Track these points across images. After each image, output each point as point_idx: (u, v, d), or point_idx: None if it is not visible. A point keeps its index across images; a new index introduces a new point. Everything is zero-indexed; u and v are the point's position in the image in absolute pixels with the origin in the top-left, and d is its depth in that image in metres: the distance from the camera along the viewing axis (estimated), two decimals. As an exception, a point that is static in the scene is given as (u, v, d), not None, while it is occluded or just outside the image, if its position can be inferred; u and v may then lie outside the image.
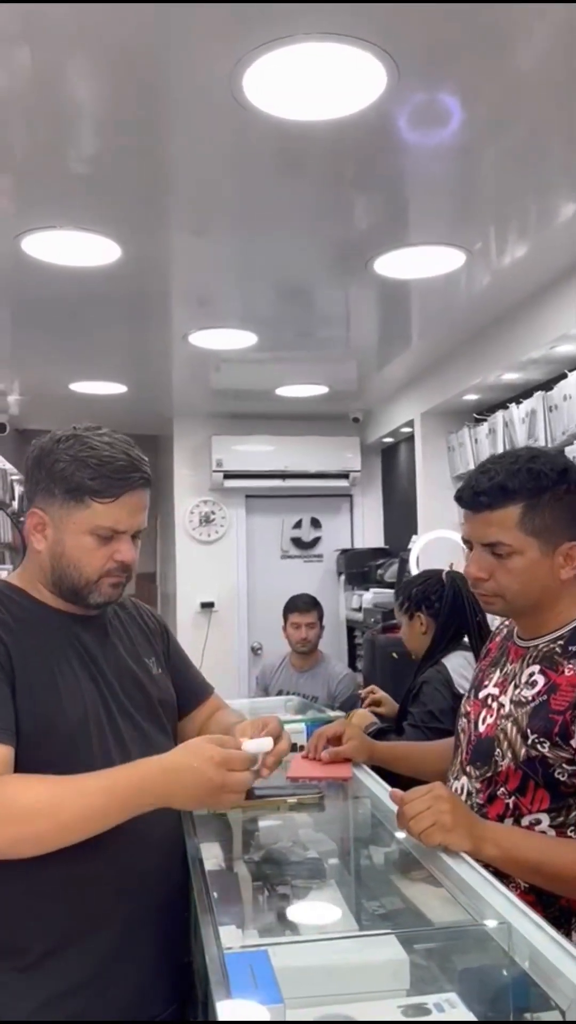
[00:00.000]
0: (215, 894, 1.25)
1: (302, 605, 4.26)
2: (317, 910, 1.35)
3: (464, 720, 1.58)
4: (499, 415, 4.15)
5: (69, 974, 1.29)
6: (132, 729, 1.42)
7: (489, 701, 1.52)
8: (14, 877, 1.28)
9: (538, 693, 1.43)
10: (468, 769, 1.50)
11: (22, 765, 1.27)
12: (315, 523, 6.36)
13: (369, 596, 5.40)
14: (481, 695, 1.56)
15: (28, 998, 1.27)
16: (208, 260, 3.10)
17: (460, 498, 1.50)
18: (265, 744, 1.41)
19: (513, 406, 3.99)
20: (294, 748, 2.46)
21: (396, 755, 1.89)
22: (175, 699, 1.58)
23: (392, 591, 5.26)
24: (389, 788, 1.68)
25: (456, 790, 1.52)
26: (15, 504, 6.01)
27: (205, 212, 2.70)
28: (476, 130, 2.21)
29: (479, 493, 1.45)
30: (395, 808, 1.36)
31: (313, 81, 1.95)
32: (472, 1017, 0.97)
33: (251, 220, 2.76)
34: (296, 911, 1.32)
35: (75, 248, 2.86)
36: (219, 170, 2.41)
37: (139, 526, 1.41)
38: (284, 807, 1.67)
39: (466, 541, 1.52)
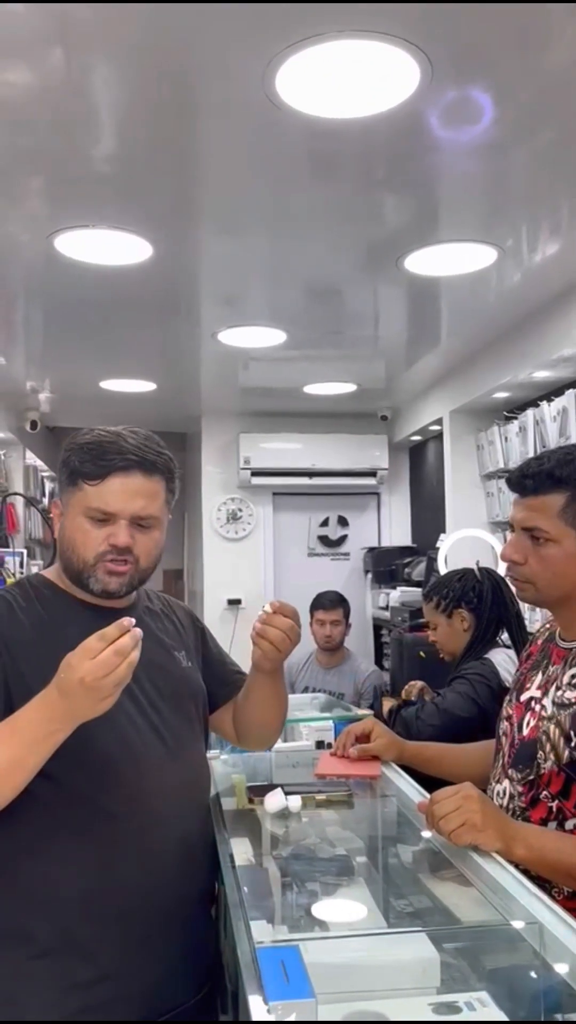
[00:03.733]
0: (246, 889, 1.27)
1: (327, 603, 4.26)
2: (346, 907, 1.36)
3: (506, 723, 1.57)
4: (530, 413, 4.12)
5: (86, 963, 1.29)
6: (155, 718, 1.43)
7: (532, 704, 1.51)
8: (28, 862, 1.30)
9: None
10: (510, 772, 1.50)
11: None
12: (342, 521, 6.35)
13: (396, 594, 5.38)
14: (523, 698, 1.54)
15: (47, 986, 1.28)
16: (238, 258, 3.10)
17: (509, 480, 1.53)
18: (287, 802, 1.59)
19: (544, 404, 3.96)
20: (321, 746, 2.48)
21: (426, 756, 1.88)
22: (205, 692, 1.59)
23: (420, 589, 5.25)
24: (418, 787, 1.69)
25: (498, 794, 1.51)
26: (45, 500, 6.08)
27: (236, 210, 2.70)
28: (508, 127, 2.19)
29: (527, 476, 1.47)
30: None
31: (345, 79, 1.95)
32: (503, 1017, 0.97)
33: (282, 218, 2.76)
34: (325, 908, 1.32)
35: (107, 247, 2.88)
36: (250, 169, 2.41)
37: (136, 511, 1.39)
38: (311, 804, 1.68)
39: (509, 525, 1.54)
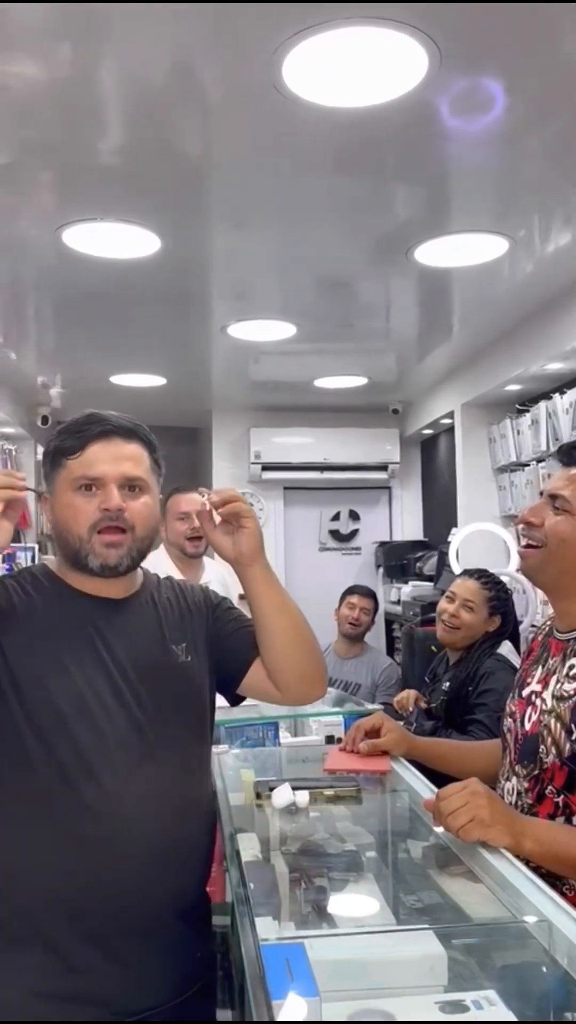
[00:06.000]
0: (252, 885, 1.25)
1: (362, 590, 4.37)
2: (354, 903, 1.34)
3: (510, 720, 1.56)
4: (542, 405, 4.09)
5: (50, 955, 1.28)
6: (138, 715, 1.37)
7: (532, 698, 1.50)
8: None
9: None
10: (516, 769, 1.48)
11: (6, 740, 1.31)
12: (353, 515, 6.33)
13: (408, 589, 5.37)
14: (525, 693, 1.53)
15: (13, 975, 1.27)
16: (247, 251, 3.09)
17: (560, 449, 1.57)
18: (295, 798, 1.56)
19: (557, 396, 3.92)
20: (331, 740, 2.47)
21: (436, 753, 1.86)
22: (208, 688, 1.51)
23: (431, 583, 5.23)
24: (428, 782, 1.67)
25: (507, 791, 1.50)
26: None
27: (244, 202, 2.69)
28: (519, 116, 2.16)
29: (573, 447, 1.51)
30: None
31: (353, 67, 1.93)
32: (511, 1016, 0.95)
33: (291, 210, 2.74)
34: (333, 903, 1.31)
35: (115, 240, 2.87)
36: (258, 160, 2.39)
37: (124, 472, 1.38)
38: (320, 799, 1.66)
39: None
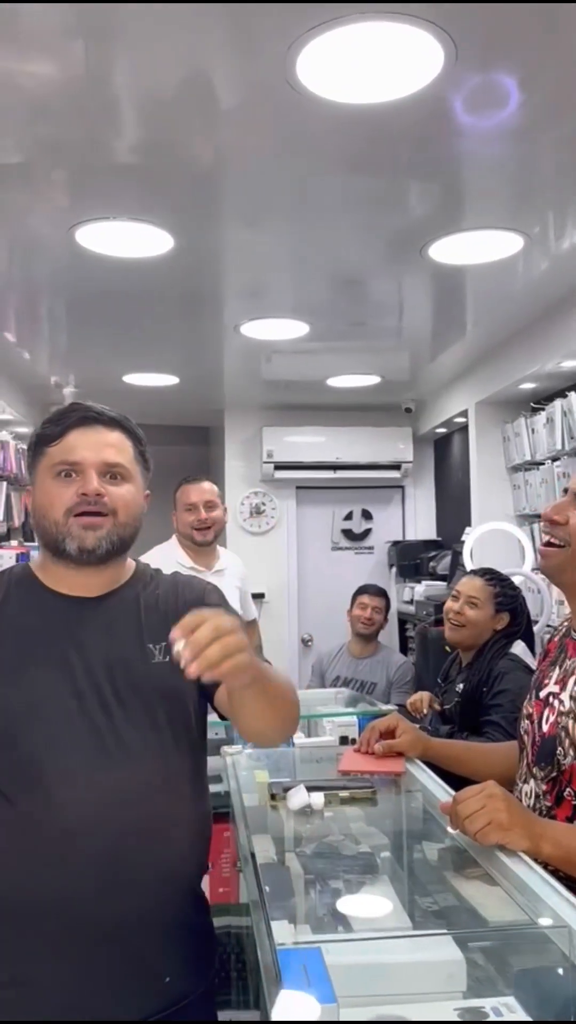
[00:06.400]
0: (267, 888, 1.24)
1: (372, 589, 4.37)
2: (370, 905, 1.33)
3: (527, 722, 1.54)
4: (557, 403, 4.06)
5: (12, 960, 1.24)
6: (101, 720, 1.29)
7: (550, 699, 1.48)
8: None
9: None
10: (534, 771, 1.47)
11: None
12: (366, 515, 6.31)
13: (421, 588, 5.34)
14: (542, 694, 1.52)
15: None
16: (260, 249, 3.08)
17: None
18: (310, 799, 1.50)
19: (572, 394, 3.89)
20: (345, 741, 2.46)
21: (452, 754, 1.85)
22: (187, 690, 1.35)
23: (445, 583, 5.20)
24: (443, 784, 1.66)
25: (525, 794, 1.48)
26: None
27: (258, 200, 2.67)
28: (535, 112, 2.14)
29: None
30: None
31: (368, 63, 1.91)
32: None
33: (304, 207, 2.72)
34: (349, 906, 1.30)
35: (128, 239, 2.86)
36: (272, 156, 2.38)
37: (104, 458, 1.34)
38: (335, 801, 1.65)
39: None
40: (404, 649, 5.80)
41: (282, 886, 1.30)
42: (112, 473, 1.35)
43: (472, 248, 3.02)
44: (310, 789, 1.63)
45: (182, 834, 1.33)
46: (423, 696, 2.96)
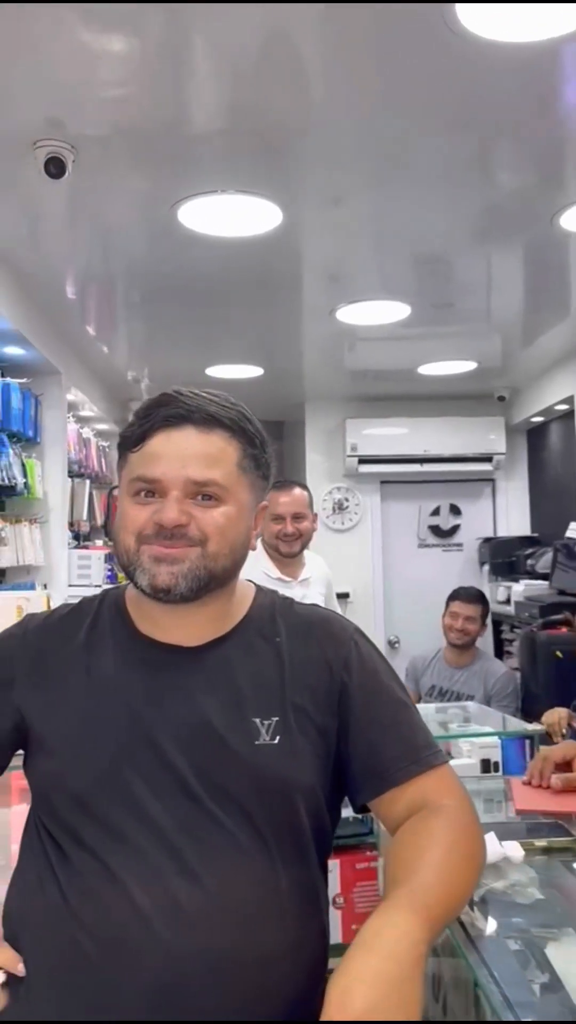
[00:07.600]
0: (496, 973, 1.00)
1: (464, 595, 4.04)
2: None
3: None
4: None
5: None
6: (178, 819, 1.01)
7: None
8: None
9: None
10: None
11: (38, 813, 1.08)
12: (454, 510, 6.02)
13: (520, 588, 5.04)
14: None
15: None
16: (354, 228, 2.85)
17: None
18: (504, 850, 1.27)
19: None
20: (487, 765, 2.20)
21: None
22: (303, 784, 1.06)
23: (546, 582, 4.89)
24: None
25: None
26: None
27: (381, 163, 2.43)
28: None
29: None
30: None
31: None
32: None
33: (433, 166, 2.47)
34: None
35: (235, 215, 2.65)
36: (421, 109, 2.13)
37: (190, 475, 1.04)
38: (533, 851, 1.40)
39: None
40: (500, 653, 5.49)
41: (512, 974, 1.05)
42: (203, 494, 1.06)
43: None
44: (502, 838, 1.39)
45: (276, 977, 1.00)
46: (560, 713, 2.67)
